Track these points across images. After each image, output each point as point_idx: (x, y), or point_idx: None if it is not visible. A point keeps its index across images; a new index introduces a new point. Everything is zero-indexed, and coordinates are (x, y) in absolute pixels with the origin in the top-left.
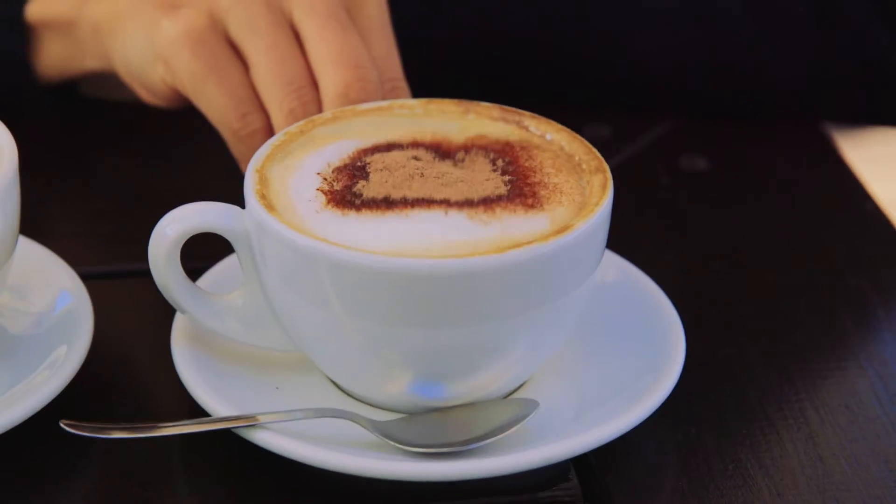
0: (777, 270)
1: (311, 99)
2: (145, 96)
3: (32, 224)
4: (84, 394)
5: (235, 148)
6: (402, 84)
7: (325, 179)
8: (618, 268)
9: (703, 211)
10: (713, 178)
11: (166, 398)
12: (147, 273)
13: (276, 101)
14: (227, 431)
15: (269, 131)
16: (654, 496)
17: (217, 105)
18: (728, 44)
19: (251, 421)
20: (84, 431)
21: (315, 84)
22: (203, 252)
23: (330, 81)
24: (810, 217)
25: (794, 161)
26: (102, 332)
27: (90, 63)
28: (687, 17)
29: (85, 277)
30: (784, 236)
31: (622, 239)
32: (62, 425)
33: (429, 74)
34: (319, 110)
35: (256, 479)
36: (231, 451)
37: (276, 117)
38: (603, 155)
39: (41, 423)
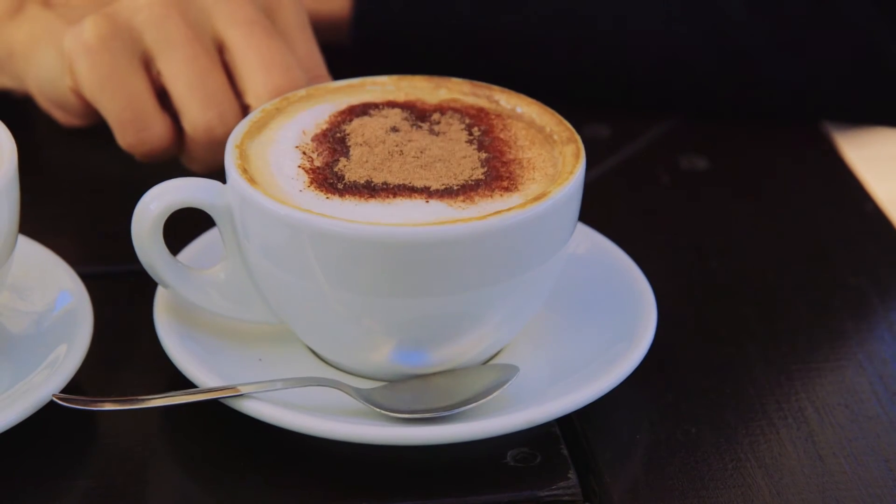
0: (777, 270)
1: (231, 116)
2: (60, 117)
3: (32, 224)
4: (83, 393)
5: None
6: (328, 80)
7: (305, 153)
8: (591, 241)
9: (703, 211)
10: (713, 178)
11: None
12: (147, 273)
13: (194, 116)
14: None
15: (170, 146)
16: (654, 495)
17: (113, 117)
18: (728, 43)
19: (233, 392)
20: (76, 404)
21: (234, 98)
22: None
23: (262, 87)
24: (810, 217)
25: (794, 161)
26: (102, 331)
27: (3, 81)
28: (687, 17)
29: (85, 277)
30: (784, 236)
31: (622, 238)
32: (54, 399)
33: (427, 72)
34: (237, 121)
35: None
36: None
37: (193, 132)
38: (603, 155)
39: (41, 422)
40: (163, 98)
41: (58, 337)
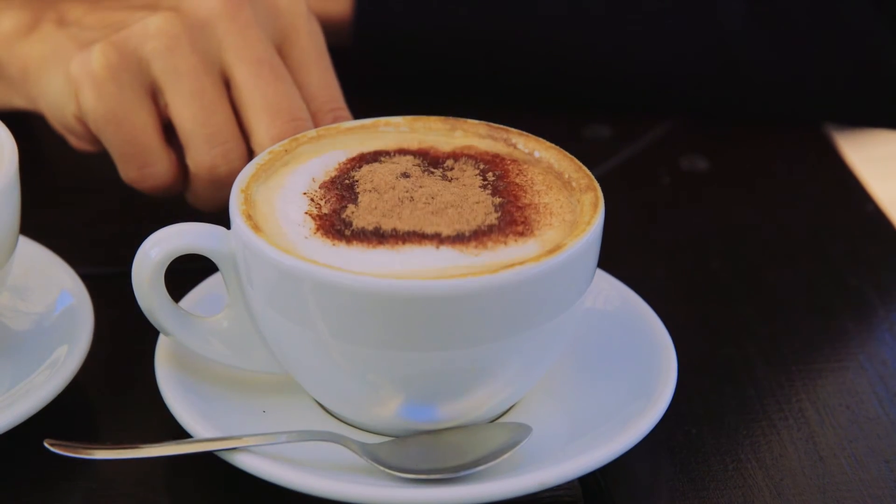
0: (777, 270)
1: (236, 155)
2: (73, 141)
3: (32, 224)
4: (83, 394)
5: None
6: (344, 112)
7: (313, 200)
8: (611, 288)
9: (703, 211)
10: (713, 178)
11: (164, 406)
12: None
13: (198, 152)
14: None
15: (174, 183)
16: (655, 496)
17: (116, 151)
18: (729, 45)
19: (235, 443)
20: (68, 451)
21: (240, 136)
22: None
23: (265, 133)
24: (810, 217)
25: (794, 161)
26: (102, 331)
27: (18, 103)
28: (687, 20)
29: (85, 277)
30: (784, 236)
31: (622, 240)
32: (46, 445)
33: (428, 74)
34: (244, 164)
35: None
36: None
37: (197, 169)
38: (603, 155)
39: (40, 422)
40: (168, 130)
41: (58, 337)
